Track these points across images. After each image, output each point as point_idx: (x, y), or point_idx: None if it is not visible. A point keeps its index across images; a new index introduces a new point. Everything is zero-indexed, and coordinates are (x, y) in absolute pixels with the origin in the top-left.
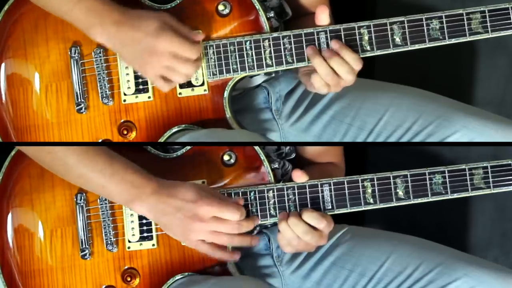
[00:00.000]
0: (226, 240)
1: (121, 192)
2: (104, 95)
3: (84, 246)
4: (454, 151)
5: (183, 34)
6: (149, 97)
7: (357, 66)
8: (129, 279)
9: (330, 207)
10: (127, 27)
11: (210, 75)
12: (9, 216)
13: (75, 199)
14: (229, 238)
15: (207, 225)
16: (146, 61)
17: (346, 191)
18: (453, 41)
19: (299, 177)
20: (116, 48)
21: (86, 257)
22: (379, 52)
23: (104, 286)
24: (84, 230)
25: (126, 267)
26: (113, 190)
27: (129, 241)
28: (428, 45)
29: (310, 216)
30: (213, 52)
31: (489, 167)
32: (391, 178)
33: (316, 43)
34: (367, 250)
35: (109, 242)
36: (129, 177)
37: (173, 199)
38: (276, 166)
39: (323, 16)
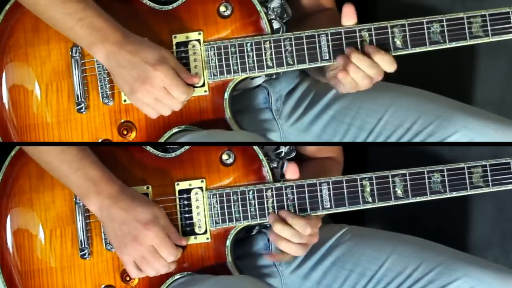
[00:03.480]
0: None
1: (81, 186)
2: (105, 95)
3: (83, 246)
4: (454, 151)
5: (180, 70)
6: None
7: (391, 68)
8: (128, 278)
9: (328, 206)
10: (126, 51)
11: (211, 76)
12: (9, 216)
13: (74, 199)
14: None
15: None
16: (137, 88)
17: (345, 190)
18: (454, 44)
19: (292, 172)
20: (112, 68)
21: (85, 256)
22: None
23: (103, 286)
24: (83, 229)
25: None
26: (74, 182)
27: None
28: (428, 49)
29: (294, 222)
30: (214, 53)
31: (488, 166)
32: (390, 177)
33: (317, 45)
34: (367, 250)
35: (108, 241)
36: (92, 174)
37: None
38: (275, 165)
39: (350, 14)
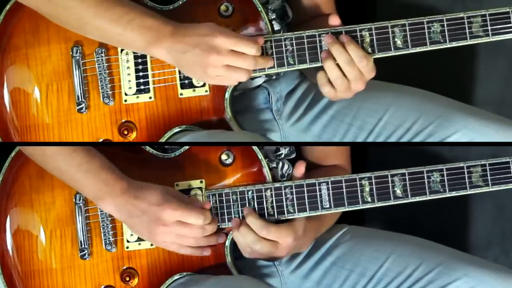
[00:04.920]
0: (191, 242)
1: (93, 188)
2: (105, 95)
3: (83, 247)
4: (454, 151)
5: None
6: (150, 98)
7: (360, 62)
8: (128, 279)
9: (328, 205)
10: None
11: None
12: (9, 216)
13: (74, 200)
14: (194, 241)
15: (171, 229)
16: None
17: (344, 190)
18: (454, 44)
19: (299, 168)
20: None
21: (85, 257)
22: (380, 55)
23: (103, 286)
24: (83, 230)
25: (125, 267)
26: (86, 185)
27: (128, 241)
28: (429, 48)
29: (251, 223)
30: None
31: (487, 165)
32: (389, 176)
33: (318, 45)
34: (367, 250)
35: (108, 242)
36: (103, 176)
37: (140, 202)
38: (274, 165)
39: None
